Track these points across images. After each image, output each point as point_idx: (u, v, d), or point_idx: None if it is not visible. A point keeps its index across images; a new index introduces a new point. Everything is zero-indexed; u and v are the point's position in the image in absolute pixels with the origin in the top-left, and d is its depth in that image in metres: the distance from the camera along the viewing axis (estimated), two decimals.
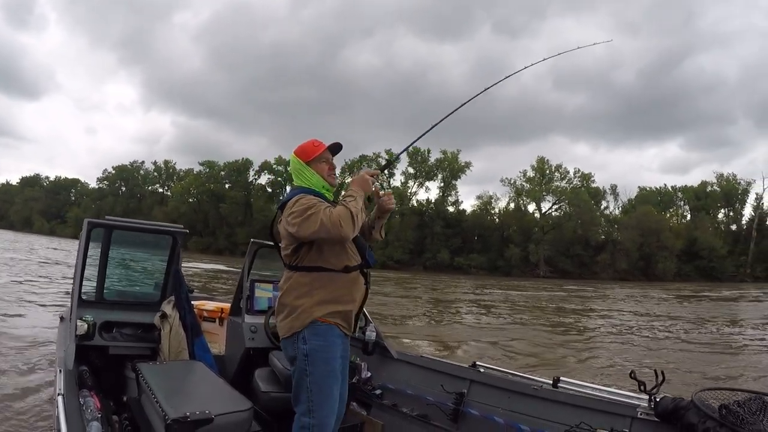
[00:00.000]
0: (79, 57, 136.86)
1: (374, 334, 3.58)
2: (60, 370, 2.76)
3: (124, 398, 3.08)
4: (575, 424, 2.45)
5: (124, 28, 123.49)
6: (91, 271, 3.59)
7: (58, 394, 2.44)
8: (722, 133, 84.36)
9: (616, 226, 51.81)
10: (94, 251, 3.59)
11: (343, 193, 2.26)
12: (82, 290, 3.45)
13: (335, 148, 2.39)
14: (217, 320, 5.04)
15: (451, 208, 55.52)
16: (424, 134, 2.66)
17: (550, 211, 53.37)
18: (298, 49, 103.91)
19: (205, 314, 5.04)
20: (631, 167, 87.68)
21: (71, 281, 3.64)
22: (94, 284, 3.64)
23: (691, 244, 48.17)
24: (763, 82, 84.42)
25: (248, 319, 3.52)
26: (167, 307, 3.50)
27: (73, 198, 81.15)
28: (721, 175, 55.99)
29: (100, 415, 2.40)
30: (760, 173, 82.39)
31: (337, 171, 2.47)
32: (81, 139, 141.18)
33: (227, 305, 4.34)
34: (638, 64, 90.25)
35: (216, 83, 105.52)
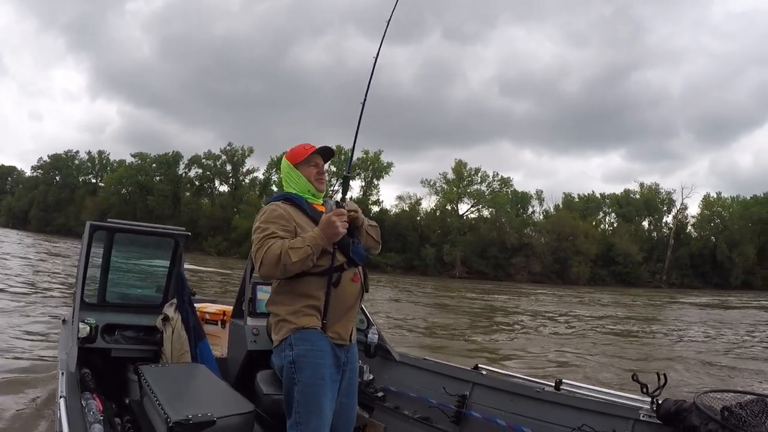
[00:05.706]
0: (27, 39, 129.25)
1: (376, 336, 3.58)
2: (62, 373, 2.76)
3: (126, 401, 3.08)
4: (577, 426, 2.45)
5: (74, 12, 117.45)
6: (94, 274, 3.60)
7: (60, 397, 2.44)
8: (664, 146, 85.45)
9: (532, 229, 52.05)
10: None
11: (306, 235, 2.06)
12: (84, 293, 3.46)
13: (324, 152, 2.31)
14: (219, 323, 5.04)
15: (375, 208, 55.02)
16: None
17: (467, 213, 53.76)
18: (248, 43, 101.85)
19: (207, 317, 5.05)
20: (575, 175, 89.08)
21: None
22: (96, 287, 3.64)
23: (608, 250, 48.63)
24: (705, 98, 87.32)
25: (250, 321, 3.52)
26: (169, 310, 3.50)
27: (8, 186, 79.16)
28: (642, 183, 56.79)
29: (102, 418, 2.40)
30: (680, 184, 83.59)
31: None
32: (25, 124, 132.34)
33: (229, 308, 4.35)
34: (584, 74, 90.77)
35: (164, 73, 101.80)
